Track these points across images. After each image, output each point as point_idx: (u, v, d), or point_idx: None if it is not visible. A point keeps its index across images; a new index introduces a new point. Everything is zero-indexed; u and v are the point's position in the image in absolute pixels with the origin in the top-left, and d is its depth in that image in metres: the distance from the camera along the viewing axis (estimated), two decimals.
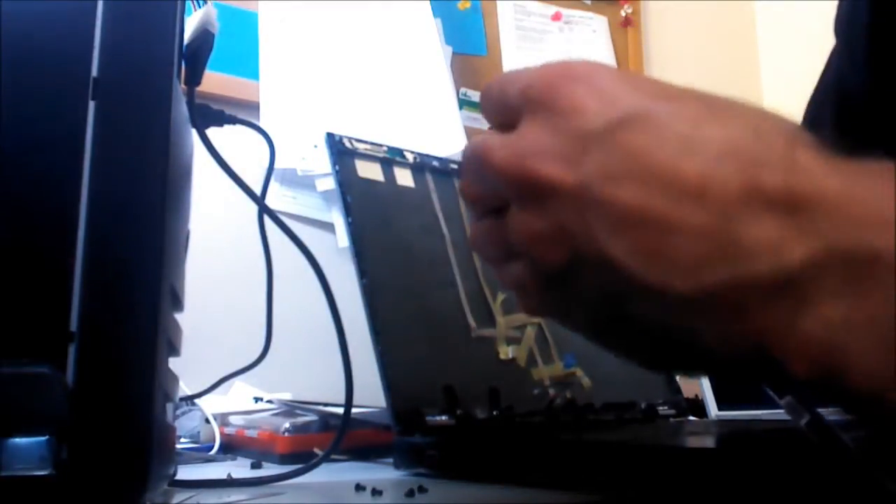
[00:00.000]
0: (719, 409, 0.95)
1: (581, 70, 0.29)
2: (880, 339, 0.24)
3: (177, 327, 0.41)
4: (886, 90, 0.45)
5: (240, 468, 0.63)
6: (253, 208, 0.58)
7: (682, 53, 1.64)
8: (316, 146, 1.11)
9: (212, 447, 0.75)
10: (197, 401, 0.80)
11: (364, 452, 0.67)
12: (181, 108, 0.41)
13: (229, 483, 0.49)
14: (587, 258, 0.28)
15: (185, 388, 0.77)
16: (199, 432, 0.81)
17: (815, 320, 0.24)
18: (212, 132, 0.50)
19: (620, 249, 0.27)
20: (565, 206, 0.28)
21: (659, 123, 0.27)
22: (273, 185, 0.96)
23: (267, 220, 0.57)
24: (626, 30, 1.55)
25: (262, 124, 0.63)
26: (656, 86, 0.29)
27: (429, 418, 0.60)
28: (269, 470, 0.60)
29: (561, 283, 0.30)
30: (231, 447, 0.76)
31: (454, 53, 1.32)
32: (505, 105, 0.31)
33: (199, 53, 0.47)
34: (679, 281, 0.26)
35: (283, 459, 0.65)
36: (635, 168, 0.26)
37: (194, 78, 0.47)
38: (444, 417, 0.62)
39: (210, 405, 0.81)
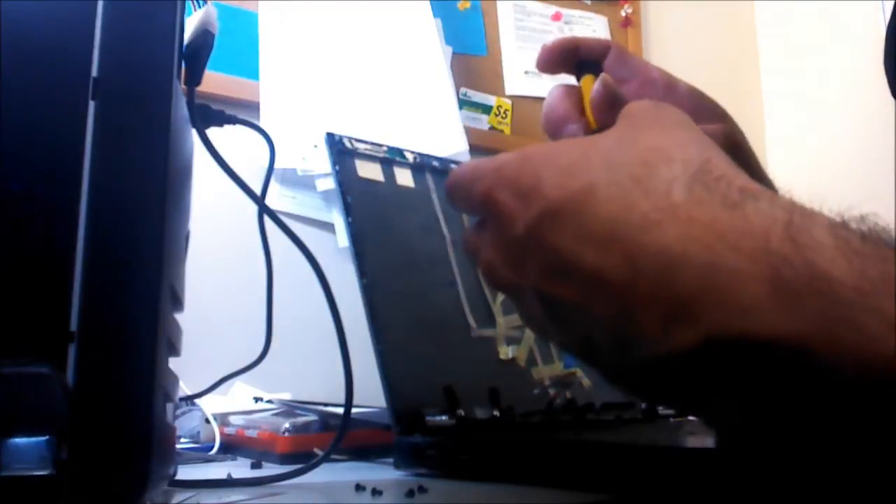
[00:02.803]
0: None
1: (510, 169, 0.32)
2: None
3: (177, 327, 0.41)
4: None
5: (240, 468, 0.63)
6: (253, 208, 0.58)
7: (682, 53, 1.64)
8: (316, 146, 1.11)
9: (212, 447, 0.76)
10: (197, 401, 0.80)
11: (364, 452, 0.67)
12: (181, 108, 0.41)
13: (229, 483, 0.49)
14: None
15: (185, 388, 0.77)
16: (199, 432, 0.81)
17: None
18: (212, 132, 0.50)
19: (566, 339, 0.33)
20: (531, 295, 0.32)
21: (566, 219, 0.30)
22: (273, 185, 0.96)
23: (267, 220, 0.57)
24: (626, 30, 1.55)
25: (262, 124, 0.63)
26: (577, 173, 0.30)
27: (429, 418, 0.60)
28: (269, 470, 0.60)
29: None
30: (231, 447, 0.76)
31: (454, 53, 1.32)
32: (472, 207, 0.34)
33: (199, 53, 0.47)
34: (592, 362, 0.32)
35: (283, 459, 0.65)
36: (558, 264, 0.30)
37: (194, 78, 0.47)
38: (444, 417, 0.62)
39: (210, 405, 0.81)
